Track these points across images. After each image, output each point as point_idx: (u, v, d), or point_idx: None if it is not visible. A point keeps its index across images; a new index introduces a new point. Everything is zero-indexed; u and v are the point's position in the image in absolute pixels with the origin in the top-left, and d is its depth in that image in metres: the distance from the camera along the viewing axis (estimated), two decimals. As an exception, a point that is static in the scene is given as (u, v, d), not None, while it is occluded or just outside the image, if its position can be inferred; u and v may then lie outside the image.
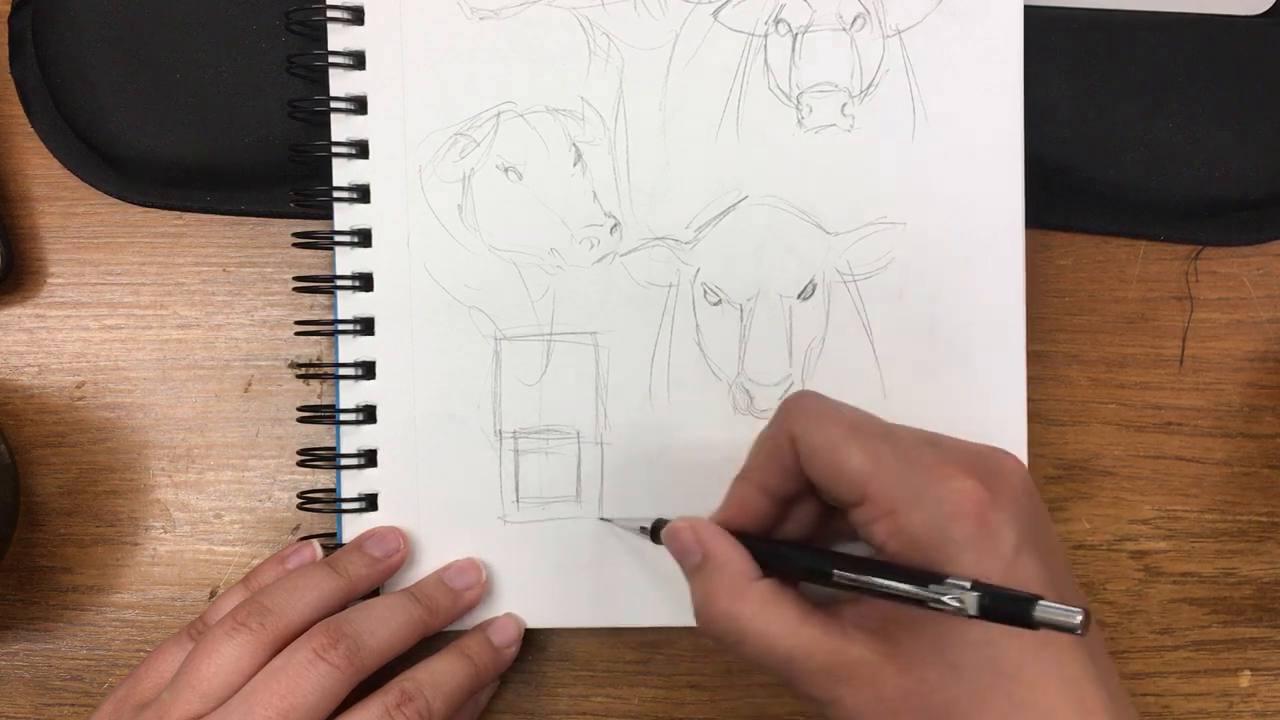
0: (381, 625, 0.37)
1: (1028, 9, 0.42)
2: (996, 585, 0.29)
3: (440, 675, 0.38)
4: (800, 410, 0.34)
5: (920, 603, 0.30)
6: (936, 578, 0.30)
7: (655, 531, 0.38)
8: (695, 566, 0.34)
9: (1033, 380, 0.43)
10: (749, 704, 0.44)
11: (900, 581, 0.30)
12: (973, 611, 0.29)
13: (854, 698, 0.32)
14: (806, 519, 0.36)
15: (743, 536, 0.35)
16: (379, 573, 0.40)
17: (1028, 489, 0.33)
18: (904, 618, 0.32)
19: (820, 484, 0.33)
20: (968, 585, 0.29)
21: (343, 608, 0.38)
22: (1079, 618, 0.27)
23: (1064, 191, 0.44)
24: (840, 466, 0.32)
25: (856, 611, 0.33)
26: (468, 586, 0.41)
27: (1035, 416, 0.44)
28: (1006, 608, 0.28)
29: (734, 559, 0.34)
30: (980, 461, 0.32)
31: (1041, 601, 0.28)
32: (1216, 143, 0.44)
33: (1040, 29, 0.42)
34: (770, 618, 0.33)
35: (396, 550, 0.41)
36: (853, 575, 0.31)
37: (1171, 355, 0.45)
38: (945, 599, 0.29)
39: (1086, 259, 0.45)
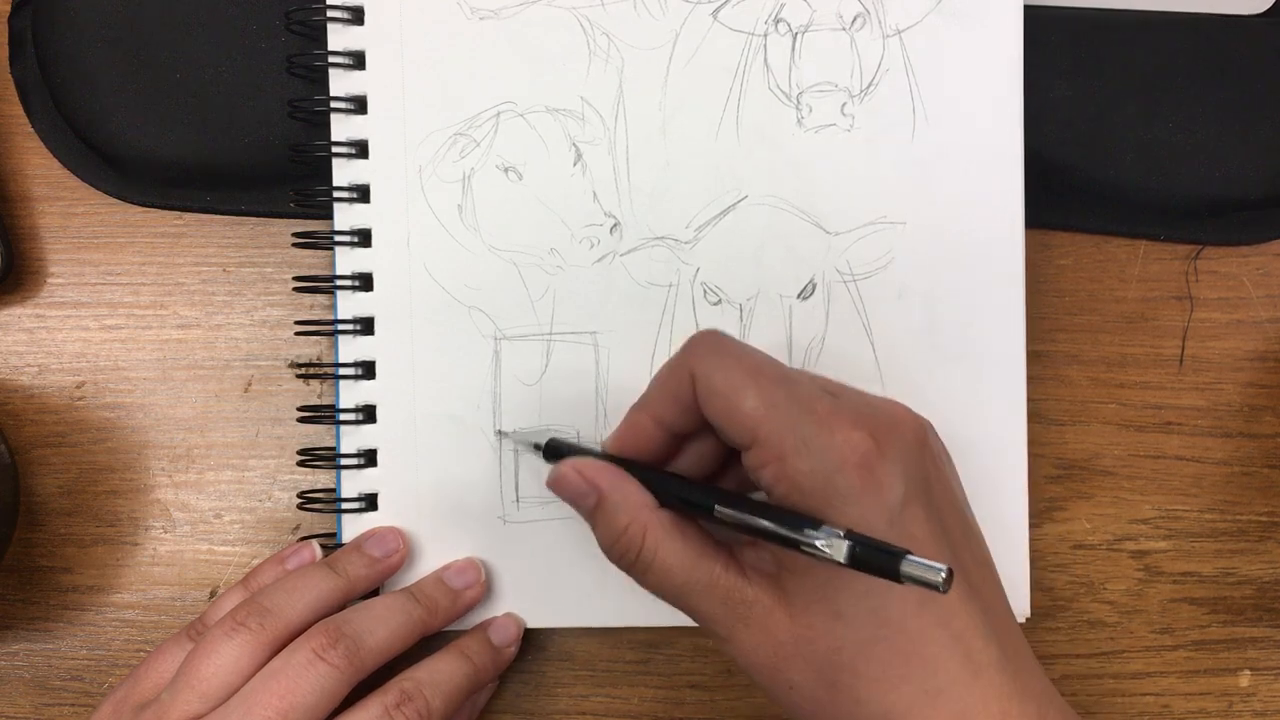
0: (381, 625, 0.37)
1: (1028, 9, 0.42)
2: (866, 536, 0.29)
3: (440, 675, 0.38)
4: (702, 348, 0.33)
5: (795, 546, 0.30)
6: (814, 523, 0.30)
7: (550, 451, 0.38)
8: (594, 506, 0.34)
9: (1033, 380, 0.43)
10: (749, 704, 0.44)
11: (775, 524, 0.30)
12: (842, 560, 0.29)
13: (750, 639, 0.32)
14: (704, 458, 0.36)
15: (631, 466, 0.34)
16: (378, 573, 0.40)
17: (922, 445, 0.33)
18: (794, 564, 0.32)
19: (715, 423, 0.33)
20: (840, 534, 0.29)
21: (342, 608, 0.38)
22: (941, 575, 0.27)
23: (1064, 191, 0.44)
24: (735, 408, 0.32)
25: (755, 554, 0.33)
26: (467, 586, 0.41)
27: (1035, 416, 0.44)
28: (874, 559, 0.28)
29: (630, 492, 0.34)
30: (875, 415, 0.32)
31: (909, 556, 0.27)
32: (1216, 143, 0.44)
33: (1040, 29, 0.42)
34: (670, 549, 0.33)
35: (396, 550, 0.41)
36: (732, 512, 0.31)
37: (1171, 355, 0.45)
38: (817, 545, 0.29)
39: (1086, 259, 0.45)
